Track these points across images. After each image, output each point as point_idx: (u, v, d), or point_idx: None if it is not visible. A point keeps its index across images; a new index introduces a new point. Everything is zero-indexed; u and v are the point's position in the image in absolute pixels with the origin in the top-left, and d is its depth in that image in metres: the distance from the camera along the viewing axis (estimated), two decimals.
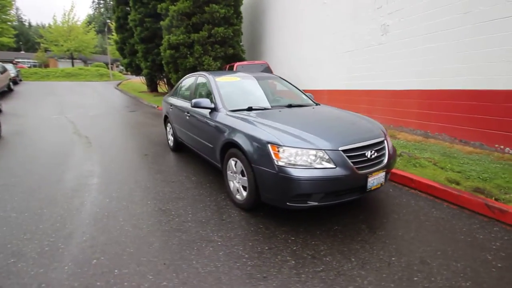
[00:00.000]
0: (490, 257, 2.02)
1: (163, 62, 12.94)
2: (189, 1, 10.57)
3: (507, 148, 3.92)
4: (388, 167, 2.54)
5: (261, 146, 2.35)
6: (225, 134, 2.84)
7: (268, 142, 2.31)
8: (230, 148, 2.79)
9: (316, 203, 2.23)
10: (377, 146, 2.49)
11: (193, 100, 3.32)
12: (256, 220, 2.54)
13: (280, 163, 2.22)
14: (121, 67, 30.28)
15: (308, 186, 2.17)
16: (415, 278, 1.82)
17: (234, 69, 8.75)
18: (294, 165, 2.20)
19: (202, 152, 3.61)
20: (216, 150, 3.07)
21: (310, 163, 2.20)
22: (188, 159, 4.46)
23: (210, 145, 3.23)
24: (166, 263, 1.97)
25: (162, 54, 12.40)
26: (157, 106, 11.24)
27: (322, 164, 2.21)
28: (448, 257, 2.01)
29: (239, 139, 2.58)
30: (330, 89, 7.81)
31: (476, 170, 3.38)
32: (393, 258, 2.00)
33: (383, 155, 2.53)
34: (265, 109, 3.16)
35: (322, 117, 3.08)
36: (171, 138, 4.98)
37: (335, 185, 2.21)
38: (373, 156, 2.39)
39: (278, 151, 2.25)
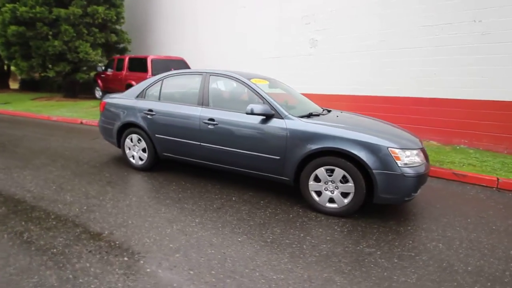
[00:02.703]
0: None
1: None
2: None
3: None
4: None
5: (381, 151, 2.49)
6: (311, 142, 2.68)
7: (389, 147, 2.49)
8: (321, 156, 2.68)
9: (416, 194, 2.67)
10: None
11: (251, 106, 2.81)
12: (351, 220, 2.65)
13: (402, 165, 2.48)
14: None
15: (420, 181, 2.57)
16: None
17: (149, 63, 7.33)
18: (411, 164, 2.52)
19: (244, 167, 3.10)
20: (288, 162, 2.81)
21: (419, 161, 2.60)
22: (177, 177, 3.60)
23: (274, 157, 2.87)
24: None
25: None
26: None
27: (422, 161, 2.66)
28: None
29: (348, 146, 2.55)
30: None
31: None
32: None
33: None
34: (320, 114, 3.18)
35: (370, 121, 3.33)
36: (139, 154, 3.76)
37: (426, 177, 2.74)
38: None
39: (398, 154, 2.49)
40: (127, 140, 3.85)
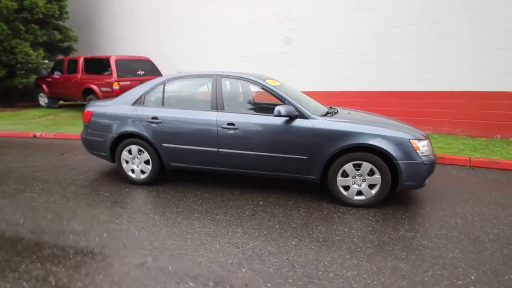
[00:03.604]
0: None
1: None
2: None
3: None
4: None
5: (404, 143, 2.73)
6: (340, 140, 2.79)
7: (410, 139, 2.74)
8: (349, 153, 2.81)
9: (428, 180, 2.99)
10: None
11: (278, 108, 2.80)
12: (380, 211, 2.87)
13: (421, 154, 2.76)
14: None
15: (433, 167, 2.90)
16: None
17: (113, 64, 6.61)
18: (426, 153, 2.81)
19: (269, 169, 3.07)
20: (316, 160, 2.89)
21: (430, 149, 2.92)
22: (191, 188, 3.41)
23: (301, 157, 2.91)
24: None
25: None
26: None
27: (431, 149, 2.99)
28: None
29: (376, 141, 2.72)
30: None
31: None
32: None
33: None
34: (333, 113, 3.31)
35: (378, 117, 3.55)
36: (141, 167, 3.43)
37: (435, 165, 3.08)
38: None
39: (417, 145, 2.76)
40: (125, 153, 3.45)
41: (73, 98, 8.57)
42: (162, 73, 7.85)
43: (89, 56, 7.50)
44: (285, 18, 6.93)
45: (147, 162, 3.42)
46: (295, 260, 2.10)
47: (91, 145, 3.68)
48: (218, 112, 3.12)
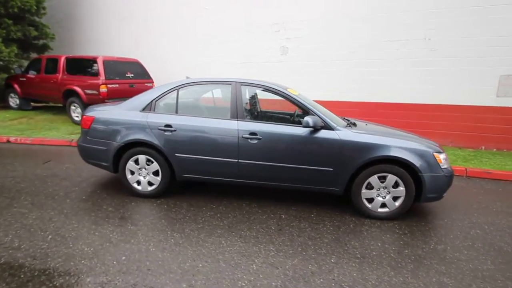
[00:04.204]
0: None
1: None
2: None
3: None
4: None
5: (428, 156, 2.77)
6: (366, 152, 2.77)
7: (433, 152, 2.79)
8: (375, 165, 2.79)
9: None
10: None
11: (307, 119, 2.72)
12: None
13: (443, 167, 2.81)
14: None
15: (452, 179, 2.96)
16: None
17: (100, 66, 6.15)
18: (446, 166, 2.88)
19: (291, 181, 2.97)
20: (342, 173, 2.84)
21: (448, 162, 3.00)
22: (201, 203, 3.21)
23: (326, 168, 2.84)
24: None
25: None
26: None
27: (448, 163, 3.08)
28: None
29: (402, 154, 2.73)
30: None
31: None
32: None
33: None
34: (352, 124, 3.29)
35: (395, 130, 3.53)
36: (149, 178, 3.17)
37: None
38: None
39: (439, 157, 2.81)
40: (130, 163, 3.15)
41: (51, 100, 7.86)
42: (152, 77, 7.50)
43: (72, 55, 6.92)
44: (282, 27, 6.96)
45: (155, 173, 3.16)
46: (341, 280, 1.99)
47: (90, 154, 3.32)
48: (239, 121, 2.97)
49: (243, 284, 1.92)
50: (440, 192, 2.89)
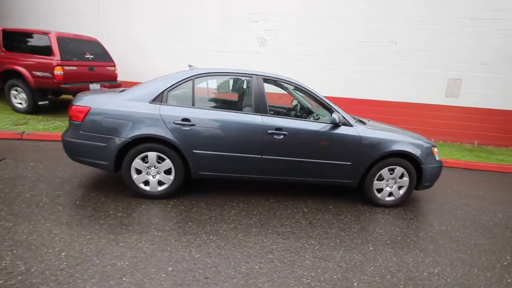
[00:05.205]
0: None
1: None
2: None
3: None
4: None
5: (427, 150, 3.16)
6: (381, 147, 3.01)
7: (430, 146, 3.18)
8: (386, 158, 3.05)
9: None
10: None
11: (334, 116, 2.80)
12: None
13: (438, 159, 3.25)
14: None
15: (441, 170, 3.44)
16: None
17: (54, 43, 5.16)
18: (438, 158, 3.33)
19: (313, 176, 3.06)
20: (359, 166, 3.05)
21: (439, 155, 3.47)
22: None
23: (346, 163, 3.00)
24: None
25: None
26: None
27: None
28: None
29: (409, 148, 3.05)
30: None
31: None
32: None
33: None
34: (360, 121, 3.50)
35: (394, 127, 3.77)
36: (160, 177, 2.88)
37: None
38: None
39: (435, 150, 3.23)
40: (137, 161, 2.78)
41: None
42: (114, 59, 6.61)
43: (12, 28, 5.58)
44: (260, 18, 6.86)
45: (167, 172, 2.87)
46: (388, 265, 2.18)
47: (81, 151, 2.80)
48: (263, 116, 2.88)
49: (308, 280, 1.94)
50: (433, 181, 3.34)
